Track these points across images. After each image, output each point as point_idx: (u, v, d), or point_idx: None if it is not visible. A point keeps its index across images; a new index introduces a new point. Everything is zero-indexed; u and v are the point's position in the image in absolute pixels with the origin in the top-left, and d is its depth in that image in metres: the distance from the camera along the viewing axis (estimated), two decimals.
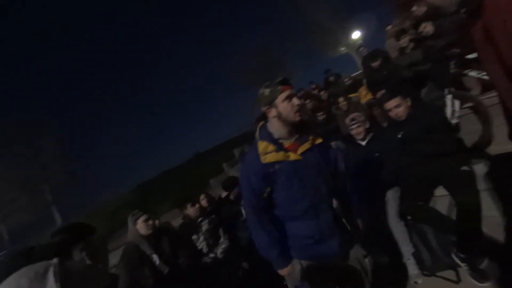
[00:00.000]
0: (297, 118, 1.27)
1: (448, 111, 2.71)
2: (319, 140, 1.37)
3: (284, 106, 1.27)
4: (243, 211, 2.08)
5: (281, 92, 1.28)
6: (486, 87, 3.00)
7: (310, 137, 1.34)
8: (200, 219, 2.58)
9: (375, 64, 3.54)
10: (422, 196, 1.96)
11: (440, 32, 3.25)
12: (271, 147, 1.28)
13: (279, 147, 1.29)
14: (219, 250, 2.50)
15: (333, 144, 3.38)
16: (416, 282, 1.88)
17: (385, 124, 2.62)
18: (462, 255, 1.73)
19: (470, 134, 2.41)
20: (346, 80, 5.02)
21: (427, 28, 3.36)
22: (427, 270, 1.91)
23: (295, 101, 1.28)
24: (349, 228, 1.47)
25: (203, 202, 2.80)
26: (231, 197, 2.86)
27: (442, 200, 2.01)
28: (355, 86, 4.89)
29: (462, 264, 1.73)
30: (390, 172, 2.06)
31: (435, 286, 1.82)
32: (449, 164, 1.83)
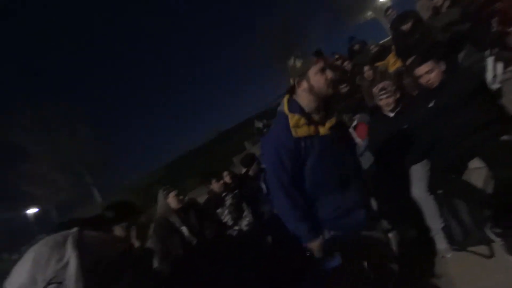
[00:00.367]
0: (330, 92, 1.22)
1: (489, 75, 2.44)
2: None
3: (317, 79, 1.21)
4: (263, 187, 2.11)
5: (315, 64, 1.21)
6: None
7: (336, 113, 1.30)
8: (224, 194, 2.67)
9: (406, 27, 3.22)
10: (455, 169, 1.84)
11: None
12: (303, 120, 1.23)
13: (310, 121, 1.24)
14: (243, 223, 2.60)
15: (357, 117, 3.24)
16: (444, 256, 1.83)
17: (415, 93, 2.43)
18: (498, 230, 1.65)
19: None
20: (372, 47, 4.65)
21: None
22: (457, 245, 1.84)
23: (329, 74, 1.21)
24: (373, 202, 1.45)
25: (227, 178, 2.88)
26: (250, 173, 2.92)
27: (477, 172, 1.87)
28: (382, 54, 4.53)
29: (496, 239, 1.65)
30: (421, 145, 1.94)
31: (466, 261, 1.76)
32: (488, 134, 1.68)
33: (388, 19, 4.68)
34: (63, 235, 0.54)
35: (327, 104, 1.29)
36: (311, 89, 1.23)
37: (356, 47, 5.45)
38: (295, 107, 1.28)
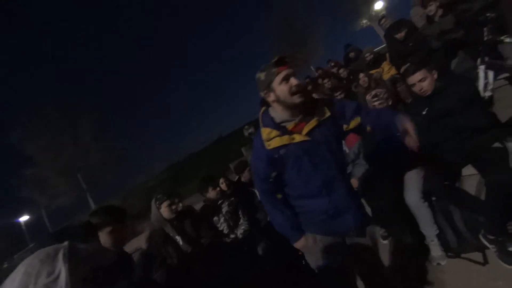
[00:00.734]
0: (297, 101, 1.20)
1: (481, 84, 2.48)
2: (328, 114, 1.28)
3: (282, 88, 1.21)
4: (257, 193, 2.11)
5: (277, 74, 1.21)
6: None
7: (316, 115, 1.26)
8: (220, 201, 2.65)
9: (400, 35, 3.29)
10: (449, 175, 1.85)
11: None
12: (274, 133, 1.25)
13: (283, 131, 1.25)
14: (239, 231, 2.58)
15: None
16: (439, 264, 1.83)
17: (409, 101, 2.46)
18: (491, 237, 1.65)
19: (506, 108, 2.21)
20: (367, 55, 4.72)
21: None
22: (452, 251, 1.84)
23: (293, 81, 1.20)
24: (365, 206, 1.44)
25: (223, 185, 2.86)
26: (242, 179, 2.93)
27: (470, 179, 1.89)
28: (377, 61, 4.60)
29: (490, 246, 1.66)
30: (414, 152, 1.95)
31: (460, 268, 1.76)
32: (480, 141, 1.70)
33: (383, 28, 4.77)
34: (54, 249, 0.55)
35: (305, 108, 1.27)
36: (278, 100, 1.23)
37: (352, 54, 5.54)
38: (267, 120, 1.30)
